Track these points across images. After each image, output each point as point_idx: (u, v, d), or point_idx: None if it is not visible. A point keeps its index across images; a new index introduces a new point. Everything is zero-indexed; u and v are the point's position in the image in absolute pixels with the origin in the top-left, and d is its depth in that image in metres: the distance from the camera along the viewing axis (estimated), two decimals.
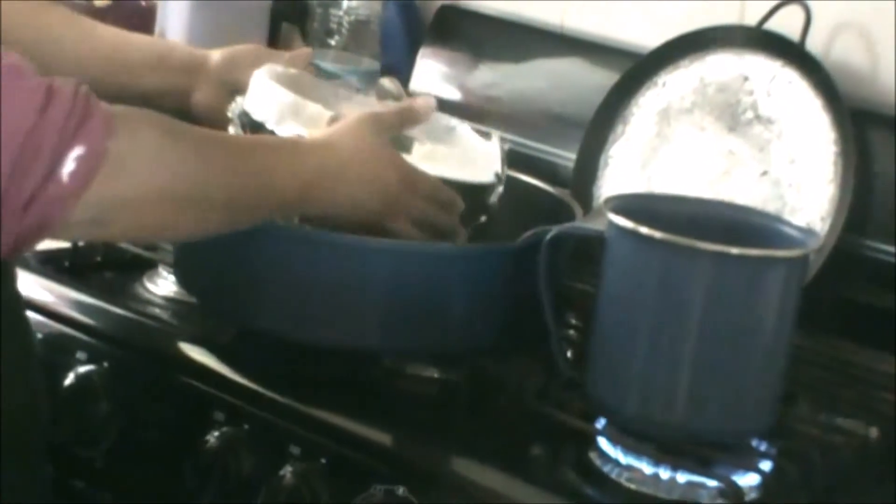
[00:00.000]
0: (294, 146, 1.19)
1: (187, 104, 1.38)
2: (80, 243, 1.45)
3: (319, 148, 1.19)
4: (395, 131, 1.26)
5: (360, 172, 1.19)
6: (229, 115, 1.29)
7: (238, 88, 1.32)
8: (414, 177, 1.23)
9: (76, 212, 1.00)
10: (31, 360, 1.24)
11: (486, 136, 1.37)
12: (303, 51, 1.46)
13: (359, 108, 1.31)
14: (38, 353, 1.26)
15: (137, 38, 1.43)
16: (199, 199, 1.09)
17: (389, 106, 1.31)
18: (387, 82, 1.39)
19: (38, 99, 0.98)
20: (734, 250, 1.13)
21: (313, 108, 1.26)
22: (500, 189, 1.31)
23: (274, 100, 1.26)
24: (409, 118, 1.28)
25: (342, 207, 1.19)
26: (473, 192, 1.28)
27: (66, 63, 1.27)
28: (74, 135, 0.98)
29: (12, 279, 1.22)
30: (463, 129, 1.39)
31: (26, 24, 1.31)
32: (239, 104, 1.29)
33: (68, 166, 0.98)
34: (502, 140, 1.35)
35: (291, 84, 1.30)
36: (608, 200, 1.23)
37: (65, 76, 1.01)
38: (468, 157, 1.31)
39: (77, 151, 0.99)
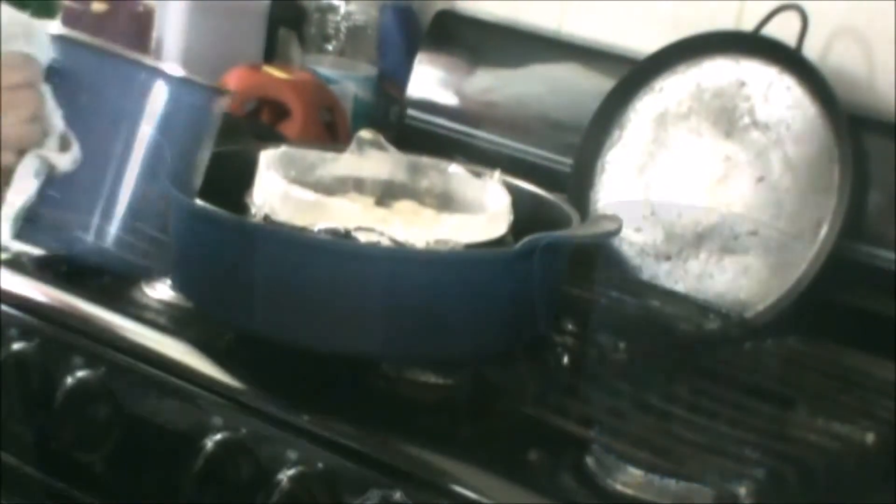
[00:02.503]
0: None
1: None
2: None
3: None
4: None
5: None
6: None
7: None
8: None
9: None
10: None
11: (479, 174, 1.39)
12: None
13: (345, 168, 1.37)
14: None
15: None
16: None
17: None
18: (366, 133, 1.40)
19: None
20: None
21: (299, 193, 1.28)
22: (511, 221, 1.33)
23: (270, 190, 1.29)
24: None
25: None
26: (496, 243, 1.30)
27: None
28: None
29: None
30: (463, 175, 1.40)
31: None
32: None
33: None
34: (501, 179, 1.37)
35: (285, 162, 1.34)
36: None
37: None
38: (490, 219, 1.32)
39: None
